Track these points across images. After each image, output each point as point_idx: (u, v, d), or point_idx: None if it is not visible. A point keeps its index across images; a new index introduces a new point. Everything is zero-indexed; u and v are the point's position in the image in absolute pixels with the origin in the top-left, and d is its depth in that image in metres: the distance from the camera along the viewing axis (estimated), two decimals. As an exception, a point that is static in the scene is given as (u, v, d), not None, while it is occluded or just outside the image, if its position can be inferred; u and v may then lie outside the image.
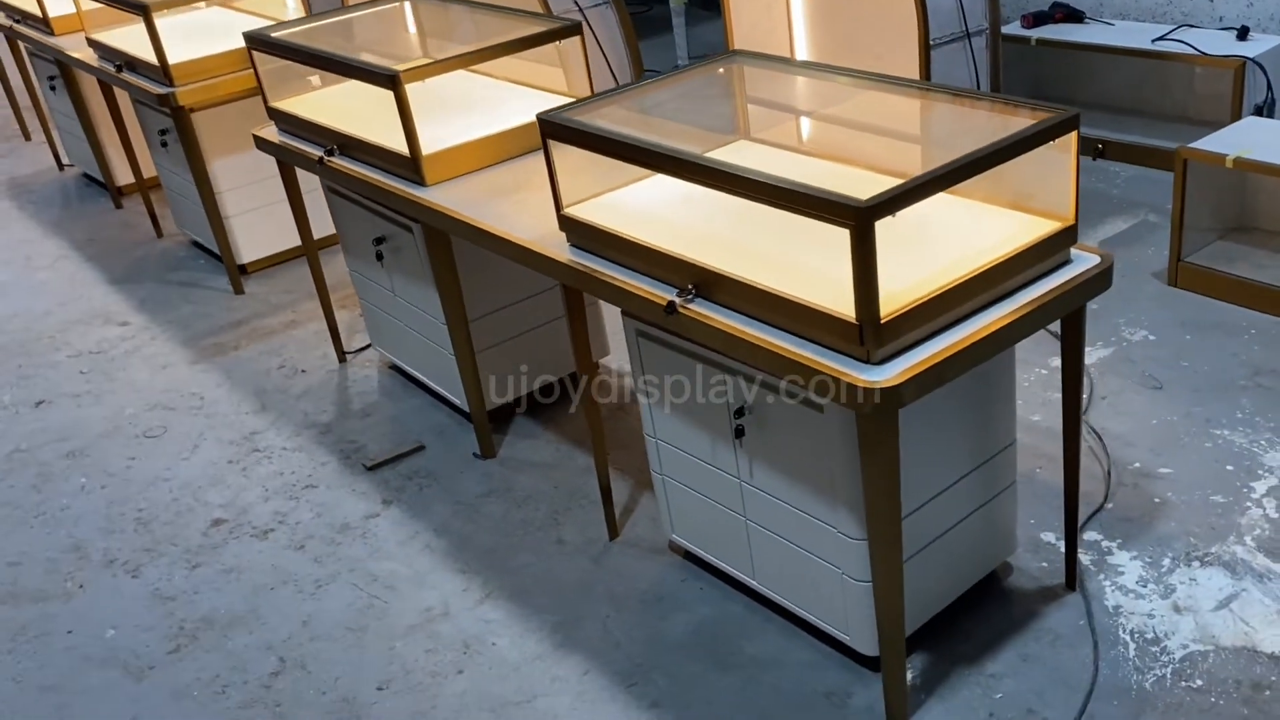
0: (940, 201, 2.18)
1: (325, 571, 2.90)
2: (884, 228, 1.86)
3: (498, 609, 2.70)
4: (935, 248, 2.18)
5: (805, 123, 2.80)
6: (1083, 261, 2.19)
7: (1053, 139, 2.08)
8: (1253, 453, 2.88)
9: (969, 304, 2.04)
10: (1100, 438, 2.98)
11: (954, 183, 1.96)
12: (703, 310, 2.16)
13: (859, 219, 1.83)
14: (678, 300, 2.18)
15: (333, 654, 2.63)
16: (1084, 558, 2.62)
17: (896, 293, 1.98)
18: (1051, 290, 2.11)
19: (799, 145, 2.75)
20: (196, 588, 2.90)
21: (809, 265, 2.13)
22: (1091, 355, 3.34)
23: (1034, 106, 2.12)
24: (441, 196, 2.80)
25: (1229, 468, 2.84)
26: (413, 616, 2.71)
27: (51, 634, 2.79)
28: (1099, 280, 2.18)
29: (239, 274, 4.48)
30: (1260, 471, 2.81)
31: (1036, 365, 3.33)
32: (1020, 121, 2.15)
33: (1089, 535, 2.69)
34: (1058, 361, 3.25)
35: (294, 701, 2.51)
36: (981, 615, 2.50)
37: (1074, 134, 2.09)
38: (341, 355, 3.87)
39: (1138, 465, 2.89)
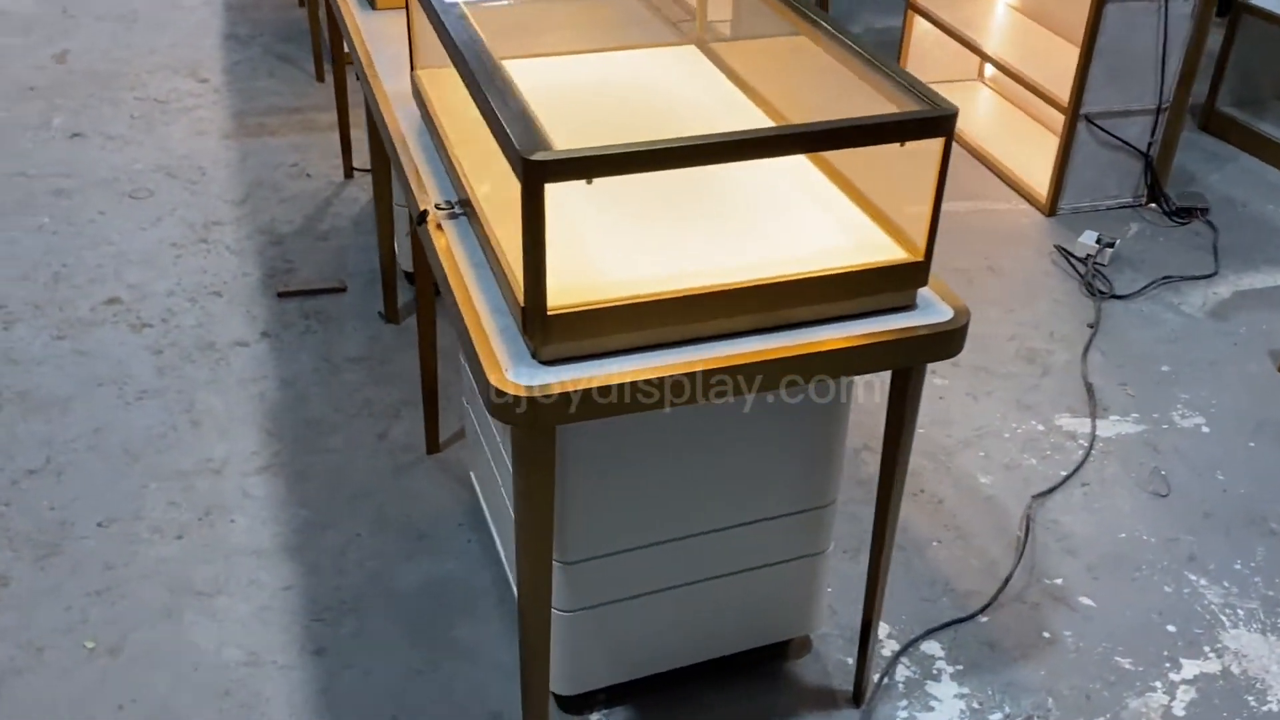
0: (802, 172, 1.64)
1: (156, 385, 2.71)
2: (696, 188, 1.37)
3: (264, 486, 2.43)
4: (731, 231, 1.65)
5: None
6: (927, 313, 1.60)
7: (895, 140, 1.48)
8: (1216, 620, 2.17)
9: (714, 323, 1.51)
10: (1029, 531, 2.34)
11: (678, 163, 1.42)
12: (452, 233, 1.72)
13: (528, 176, 1.34)
14: (434, 211, 1.75)
15: (93, 473, 2.45)
16: (904, 670, 2.06)
17: (613, 281, 1.50)
18: (852, 337, 1.55)
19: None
20: (41, 359, 2.78)
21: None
22: (1119, 425, 2.64)
23: (922, 95, 1.51)
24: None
25: (1169, 628, 2.15)
26: (189, 462, 2.48)
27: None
28: (937, 342, 1.58)
29: (323, 62, 4.29)
30: (1205, 649, 2.12)
31: (1035, 419, 2.66)
32: (878, 105, 1.56)
33: (927, 646, 2.11)
34: (1067, 421, 2.60)
35: (21, 506, 2.36)
36: (736, 691, 2.01)
37: (942, 141, 1.48)
38: (349, 171, 3.62)
39: (1058, 582, 2.24)
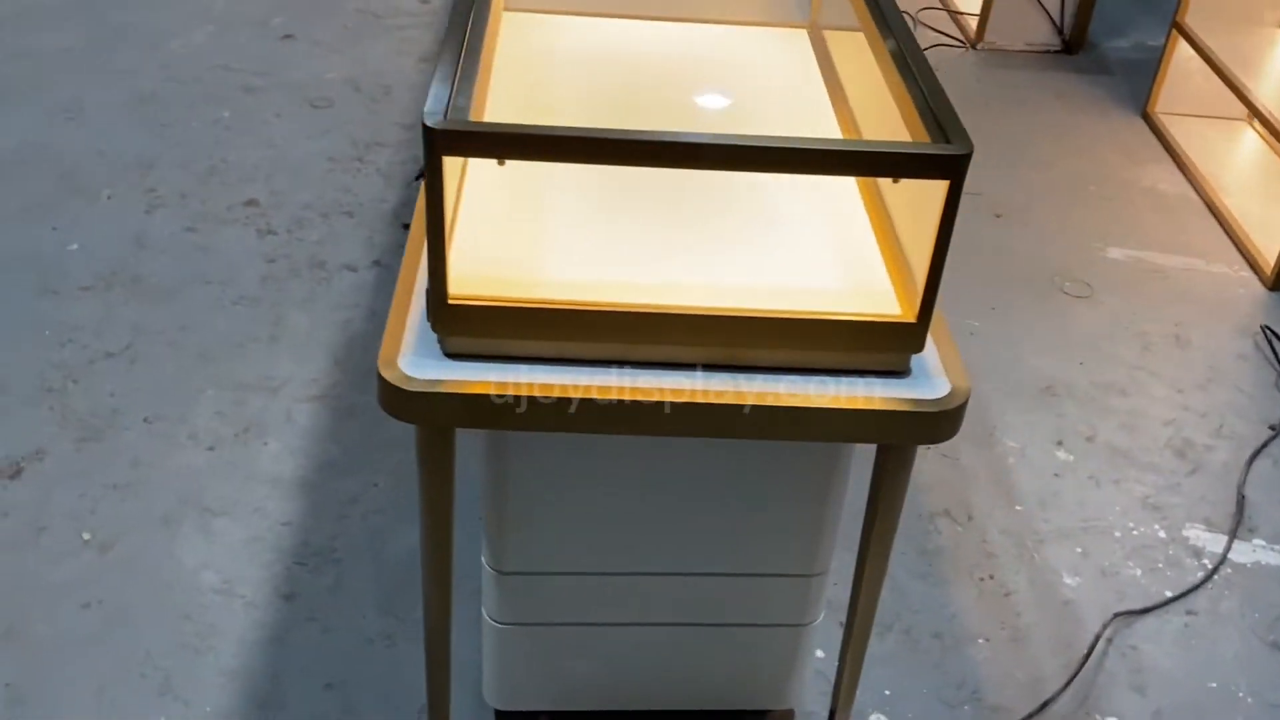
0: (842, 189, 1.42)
1: (255, 293, 2.71)
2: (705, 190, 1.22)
3: (309, 415, 2.38)
4: (719, 247, 1.43)
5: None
6: (917, 384, 1.33)
7: (888, 174, 1.23)
8: (1294, 817, 1.78)
9: (656, 348, 1.30)
10: (1095, 650, 1.99)
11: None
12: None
13: (426, 143, 1.18)
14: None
15: (162, 368, 2.48)
16: (887, 779, 1.80)
17: (547, 281, 1.33)
18: (809, 397, 1.30)
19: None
20: (165, 248, 2.84)
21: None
22: (1261, 552, 2.22)
23: (941, 123, 1.25)
24: None
25: (1230, 811, 1.79)
26: (251, 376, 2.47)
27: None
28: (915, 422, 1.31)
29: None
30: (1266, 847, 1.74)
31: (1160, 524, 2.27)
32: (896, 129, 1.30)
33: (923, 758, 1.83)
34: (1198, 534, 2.23)
35: (87, 386, 2.40)
36: (692, 752, 1.81)
37: (946, 185, 1.21)
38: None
39: (1111, 721, 1.90)
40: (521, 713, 1.82)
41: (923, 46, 4.10)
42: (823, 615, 1.73)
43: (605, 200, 1.49)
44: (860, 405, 1.30)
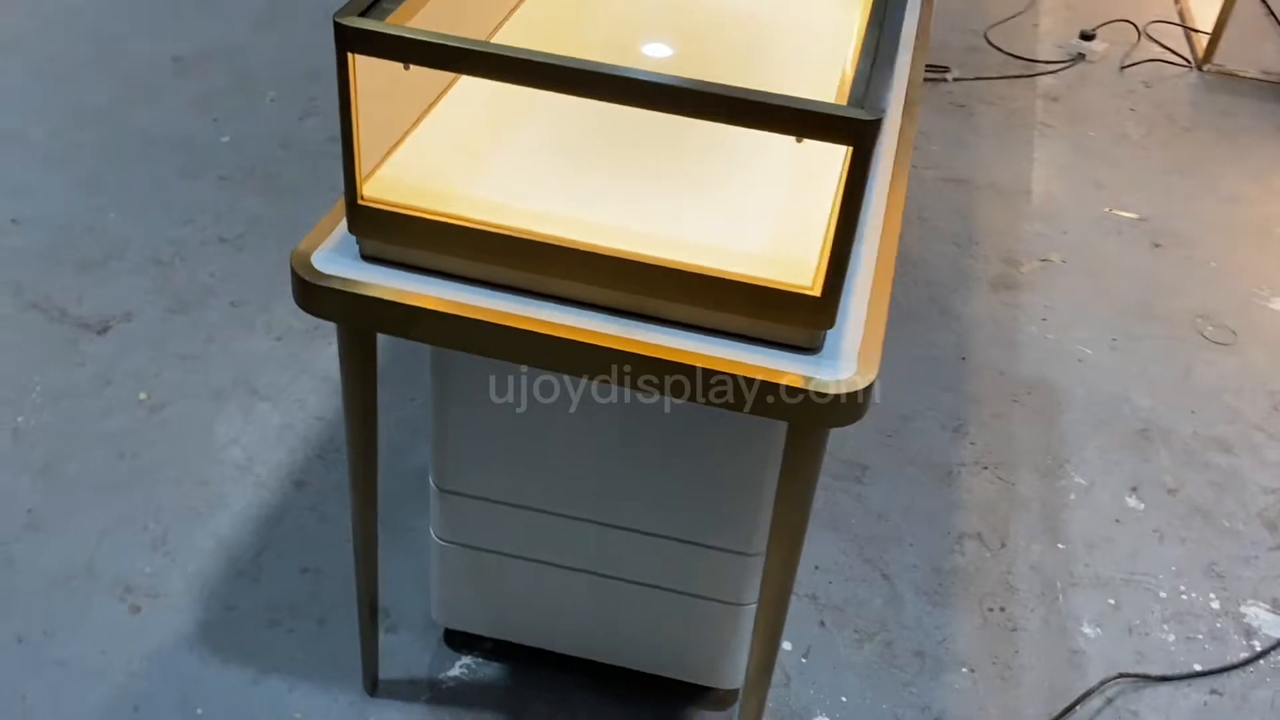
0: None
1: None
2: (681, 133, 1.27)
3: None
4: (670, 191, 1.39)
5: None
6: (819, 363, 1.25)
7: (789, 131, 1.14)
8: None
9: (569, 285, 1.28)
10: (1082, 704, 1.82)
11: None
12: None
13: (338, 41, 1.19)
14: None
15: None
16: (812, 783, 1.71)
17: (475, 199, 1.33)
18: (703, 357, 1.25)
19: None
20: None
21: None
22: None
23: (875, 83, 1.17)
24: None
25: None
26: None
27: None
28: (805, 404, 1.23)
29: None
30: None
31: (1217, 594, 2.06)
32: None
33: (856, 771, 1.73)
34: (1257, 613, 2.05)
35: (253, 252, 2.58)
36: (624, 710, 1.78)
37: (848, 152, 1.12)
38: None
39: (1078, 784, 1.74)
40: (468, 636, 1.84)
41: (1138, 60, 3.85)
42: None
43: (569, 137, 1.47)
44: (747, 373, 1.23)
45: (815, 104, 1.11)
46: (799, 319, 1.24)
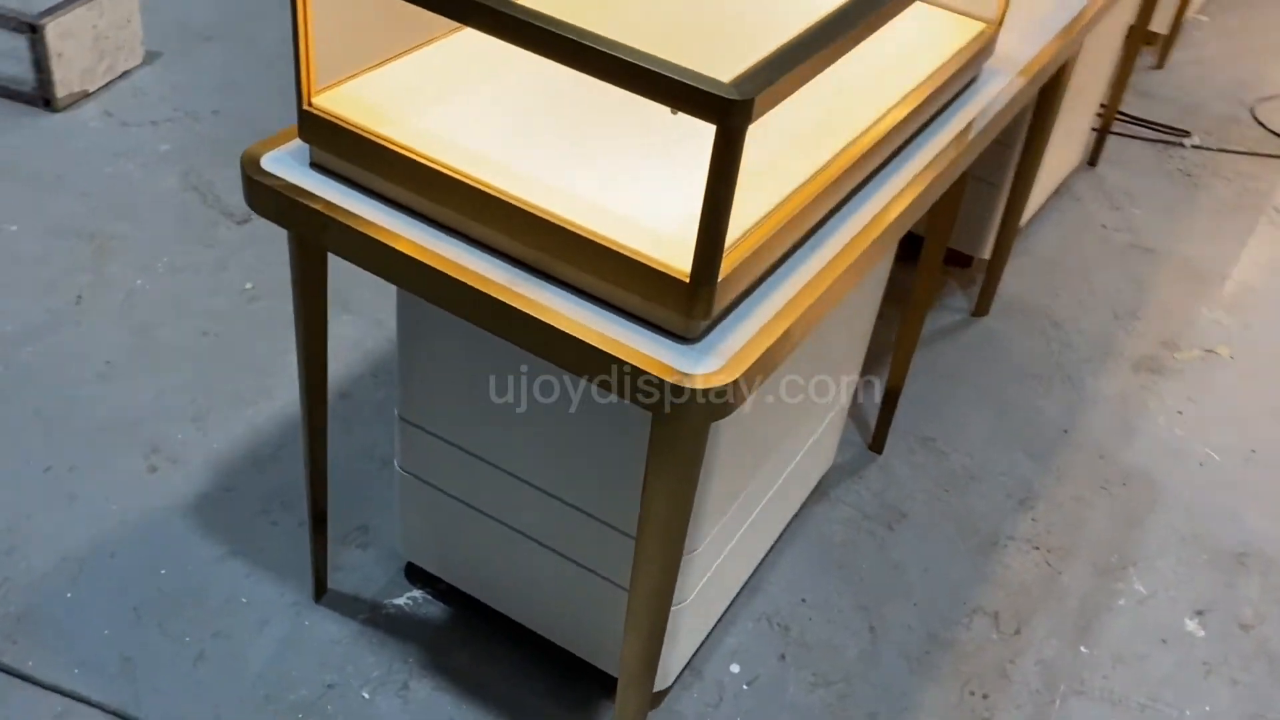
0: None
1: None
2: None
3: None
4: (622, 151, 1.36)
5: None
6: (688, 354, 1.19)
7: (666, 102, 1.07)
8: None
9: (481, 228, 1.28)
10: None
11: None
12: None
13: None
14: None
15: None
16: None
17: (415, 130, 1.36)
18: (578, 327, 1.22)
19: None
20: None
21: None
22: None
23: (774, 65, 1.10)
24: None
25: None
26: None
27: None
28: (683, 405, 1.18)
29: None
30: None
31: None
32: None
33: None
34: None
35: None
36: (550, 685, 1.76)
37: (714, 129, 1.06)
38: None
39: None
40: (427, 575, 1.87)
41: (1231, 147, 3.38)
42: (692, 598, 1.61)
43: (537, 99, 1.45)
44: (616, 350, 1.19)
45: (687, 75, 1.06)
46: (673, 304, 1.18)
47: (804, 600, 1.94)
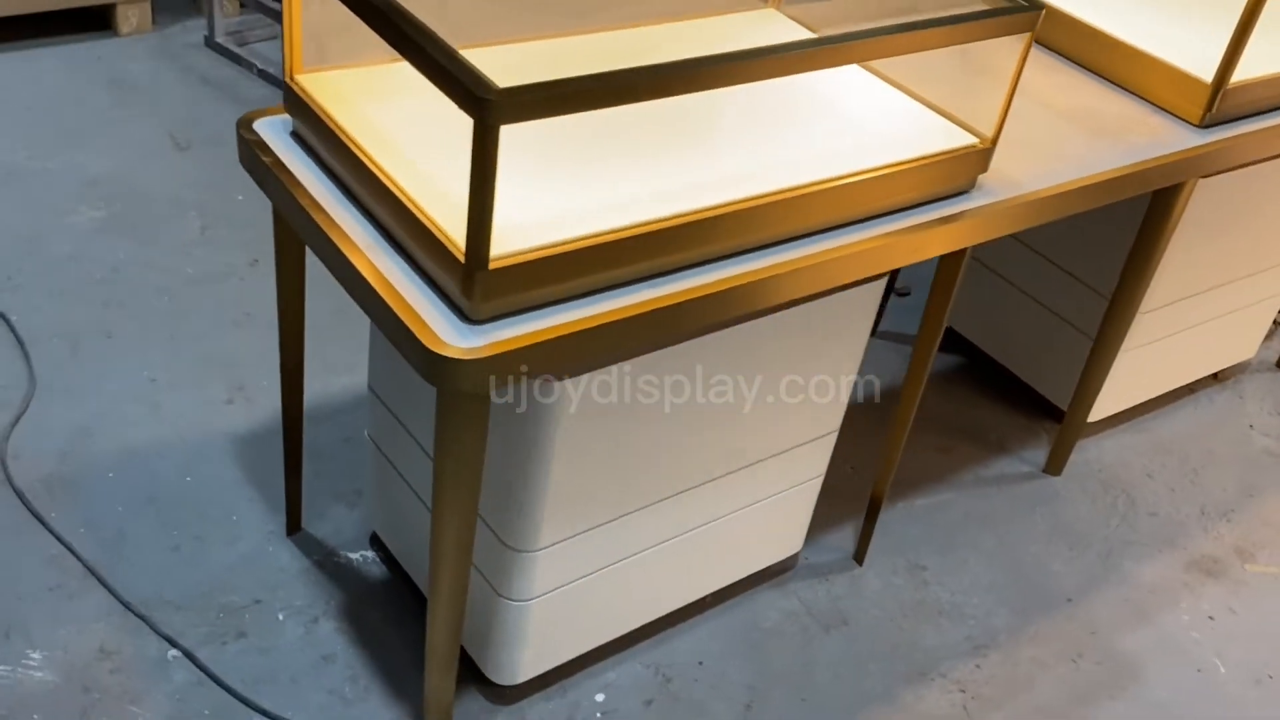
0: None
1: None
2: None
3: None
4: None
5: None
6: (470, 331, 1.40)
7: None
8: None
9: None
10: None
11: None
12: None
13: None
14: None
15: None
16: None
17: None
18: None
19: None
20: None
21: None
22: None
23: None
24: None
25: None
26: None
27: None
28: (446, 365, 1.40)
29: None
30: None
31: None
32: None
33: None
34: None
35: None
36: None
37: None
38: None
39: None
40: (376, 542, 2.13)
41: None
42: (535, 599, 1.76)
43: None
44: (395, 304, 1.42)
45: (461, 69, 1.27)
46: (457, 282, 1.38)
47: (700, 663, 2.04)
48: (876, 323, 2.86)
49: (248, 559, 2.09)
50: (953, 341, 2.85)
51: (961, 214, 1.73)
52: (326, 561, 2.11)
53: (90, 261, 2.72)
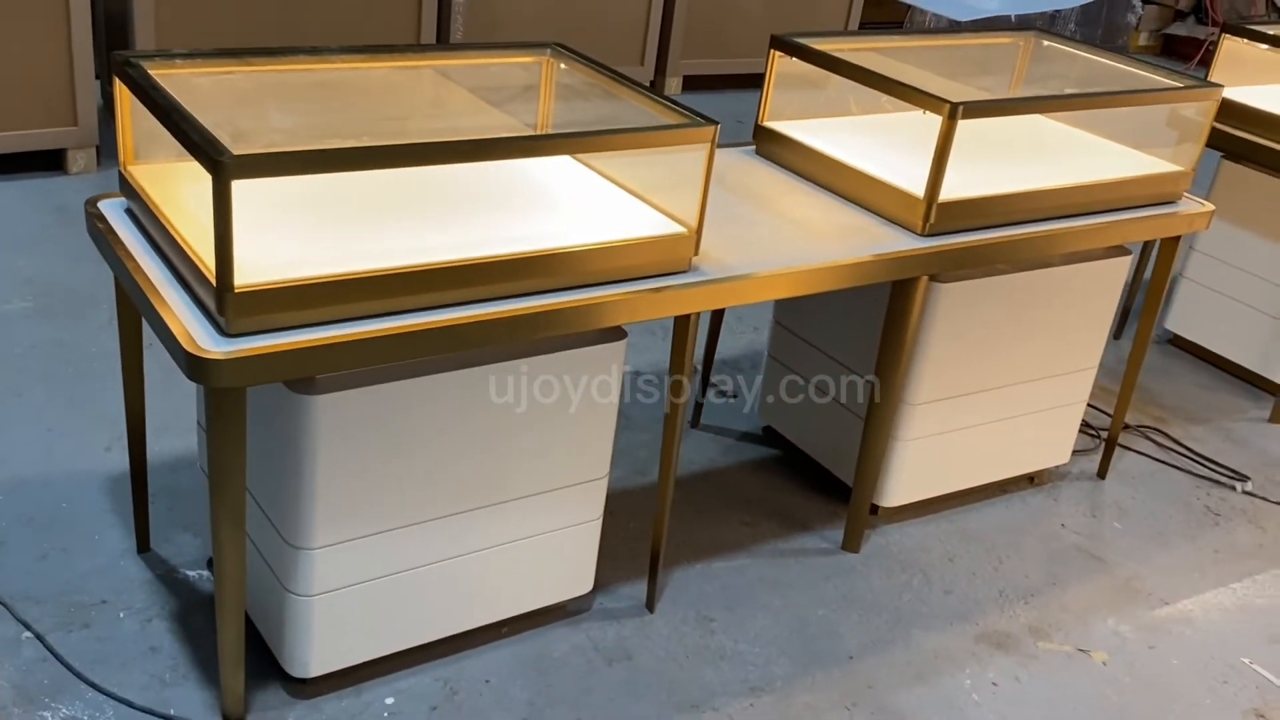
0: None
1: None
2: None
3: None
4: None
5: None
6: (224, 340, 1.75)
7: None
8: None
9: None
10: None
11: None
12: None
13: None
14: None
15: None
16: None
17: None
18: None
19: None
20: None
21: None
22: None
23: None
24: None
25: None
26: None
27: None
28: (204, 364, 1.75)
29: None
30: None
31: None
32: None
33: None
34: None
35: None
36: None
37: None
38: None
39: None
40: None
41: None
42: (315, 595, 2.04)
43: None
44: (162, 311, 1.83)
45: (202, 138, 1.67)
46: (212, 297, 1.77)
47: (487, 681, 2.28)
48: (697, 417, 3.21)
49: (101, 569, 2.40)
50: (772, 438, 3.15)
51: (667, 287, 2.11)
52: (167, 576, 2.41)
53: (12, 340, 3.18)
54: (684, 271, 2.14)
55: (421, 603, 2.21)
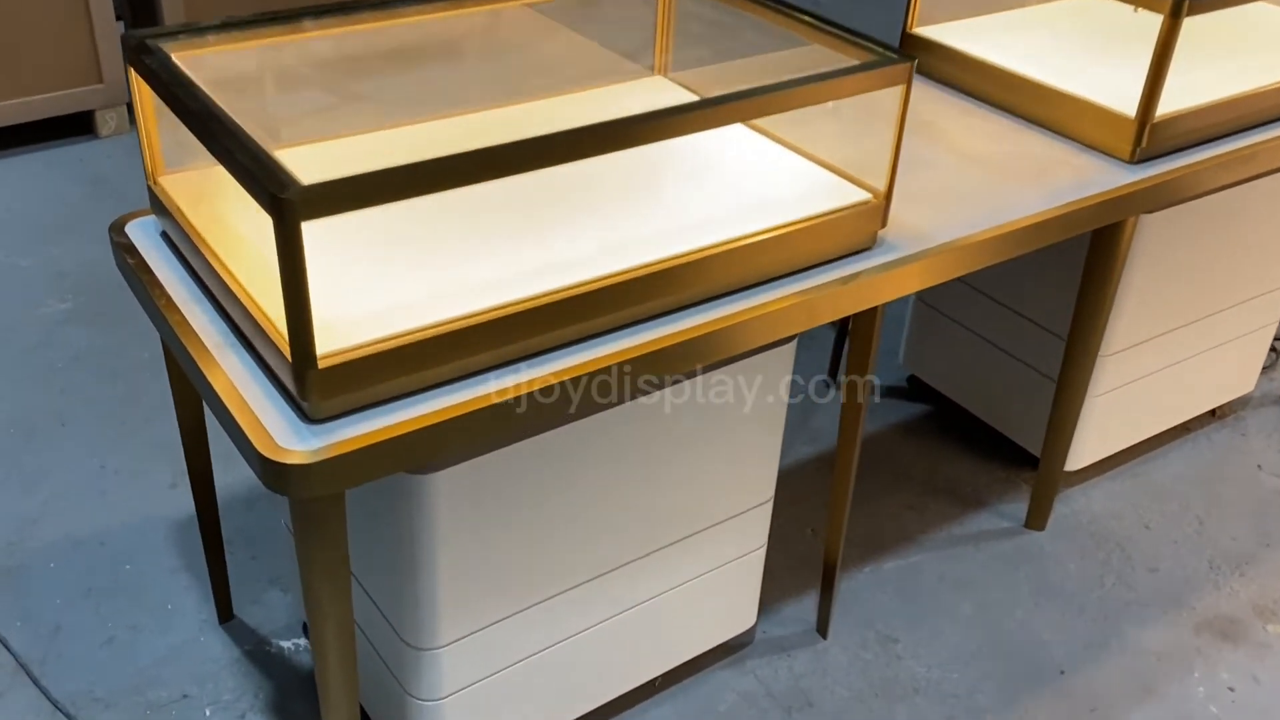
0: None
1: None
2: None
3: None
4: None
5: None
6: (312, 433, 1.31)
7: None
8: None
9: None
10: None
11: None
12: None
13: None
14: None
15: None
16: None
17: None
18: None
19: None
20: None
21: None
22: None
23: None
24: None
25: None
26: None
27: None
28: (276, 469, 1.32)
29: None
30: None
31: None
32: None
33: None
34: None
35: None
36: None
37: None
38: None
39: None
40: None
41: None
42: (447, 699, 1.67)
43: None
44: (234, 408, 1.35)
45: (265, 169, 1.21)
46: (290, 375, 1.32)
47: (639, 755, 1.92)
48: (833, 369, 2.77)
49: (178, 650, 2.02)
50: (920, 390, 2.72)
51: (858, 274, 1.63)
52: (257, 650, 2.03)
53: (53, 353, 2.72)
54: (869, 249, 1.68)
55: (565, 679, 1.83)
